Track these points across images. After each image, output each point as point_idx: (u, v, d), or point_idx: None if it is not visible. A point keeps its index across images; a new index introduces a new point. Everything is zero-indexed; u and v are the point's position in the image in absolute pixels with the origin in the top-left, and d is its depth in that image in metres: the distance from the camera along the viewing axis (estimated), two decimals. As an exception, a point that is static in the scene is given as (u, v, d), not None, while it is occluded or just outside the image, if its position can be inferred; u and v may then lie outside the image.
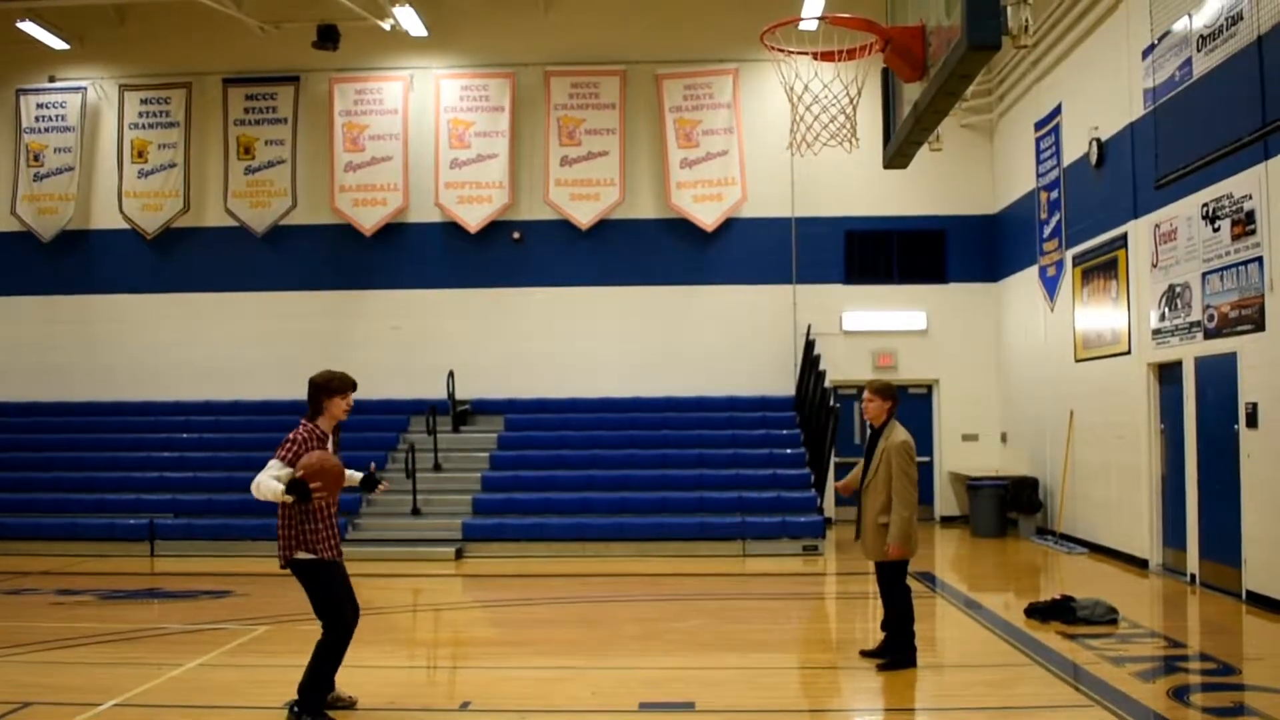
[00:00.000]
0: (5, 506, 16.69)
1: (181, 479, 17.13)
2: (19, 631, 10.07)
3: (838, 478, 17.79)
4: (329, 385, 7.07)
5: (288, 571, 6.97)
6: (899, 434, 8.22)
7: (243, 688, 7.99)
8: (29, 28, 18.51)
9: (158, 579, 13.92)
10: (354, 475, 7.37)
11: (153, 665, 8.58)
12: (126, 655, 9.17)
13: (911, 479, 8.08)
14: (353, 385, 7.15)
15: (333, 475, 6.85)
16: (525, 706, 7.38)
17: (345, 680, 7.27)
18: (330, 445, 7.03)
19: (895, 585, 8.29)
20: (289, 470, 6.74)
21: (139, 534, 15.86)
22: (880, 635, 8.56)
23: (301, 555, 6.86)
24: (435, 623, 11.35)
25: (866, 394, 8.48)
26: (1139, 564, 13.29)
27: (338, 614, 6.95)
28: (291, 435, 6.93)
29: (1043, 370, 16.79)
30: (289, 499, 6.67)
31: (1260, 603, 10.48)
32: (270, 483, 6.67)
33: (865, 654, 8.61)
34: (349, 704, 7.24)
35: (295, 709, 6.86)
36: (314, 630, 7.04)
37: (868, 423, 8.54)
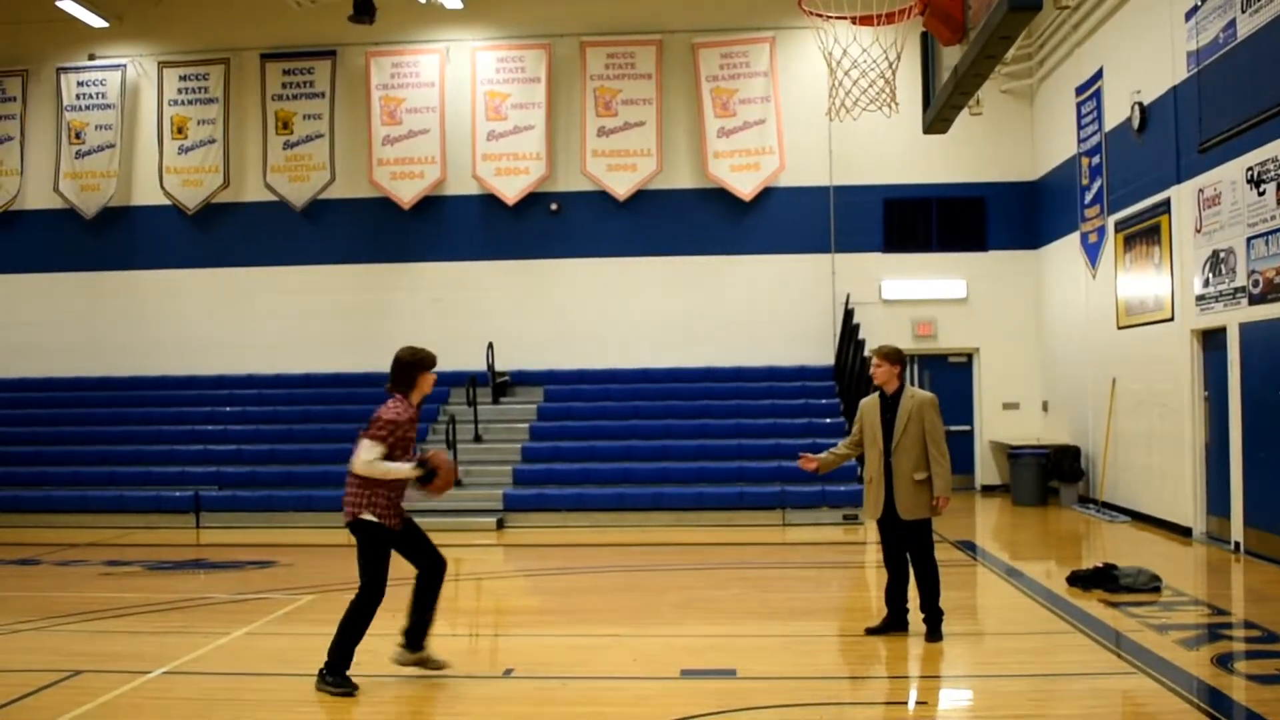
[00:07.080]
0: (54, 480, 16.97)
1: (225, 451, 17.34)
2: (69, 601, 10.26)
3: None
4: (424, 362, 7.14)
5: (346, 532, 7.07)
6: (923, 391, 8.30)
7: (289, 655, 8.10)
8: (68, 6, 18.64)
9: (203, 550, 14.14)
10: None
11: (200, 634, 8.72)
12: (174, 624, 9.33)
13: (943, 433, 8.18)
14: (435, 360, 7.27)
15: (449, 479, 7.09)
16: (567, 673, 7.45)
17: (390, 647, 7.33)
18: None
19: (930, 547, 8.21)
20: (383, 449, 6.85)
21: (185, 505, 16.09)
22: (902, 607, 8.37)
23: (366, 516, 6.96)
24: (478, 592, 11.46)
25: (875, 360, 8.28)
26: (1182, 532, 13.18)
27: (378, 579, 7.04)
28: (383, 415, 6.94)
29: (1084, 338, 16.62)
30: (418, 473, 6.90)
31: (1306, 570, 10.40)
32: (388, 465, 6.86)
33: (871, 631, 8.40)
34: (440, 665, 7.36)
35: (323, 671, 6.98)
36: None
37: (878, 389, 8.34)
